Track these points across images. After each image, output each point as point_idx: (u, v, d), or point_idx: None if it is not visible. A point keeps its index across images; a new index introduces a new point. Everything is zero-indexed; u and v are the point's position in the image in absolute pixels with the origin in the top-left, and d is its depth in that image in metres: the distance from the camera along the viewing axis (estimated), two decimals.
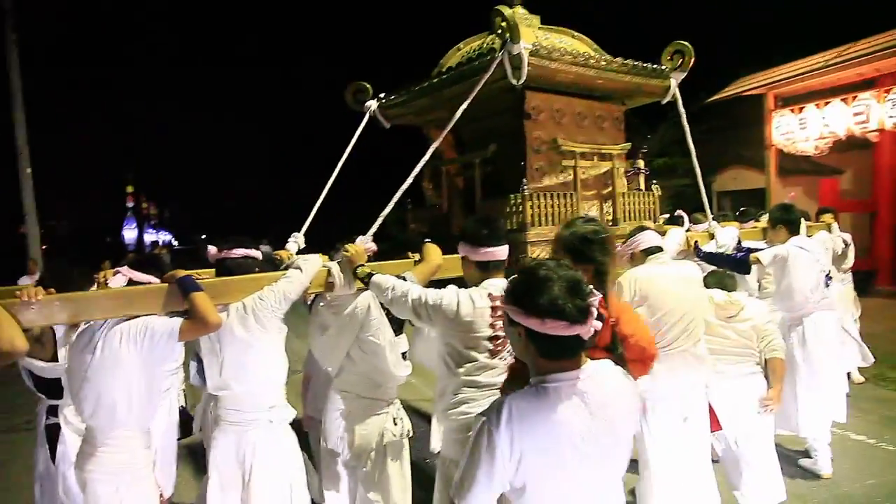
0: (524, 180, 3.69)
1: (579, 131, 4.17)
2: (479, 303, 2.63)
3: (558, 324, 1.54)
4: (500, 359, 2.64)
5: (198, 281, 2.52)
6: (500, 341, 2.63)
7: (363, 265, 2.95)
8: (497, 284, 2.70)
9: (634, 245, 3.56)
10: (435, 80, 4.08)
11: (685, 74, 4.39)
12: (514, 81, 3.53)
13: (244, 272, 2.84)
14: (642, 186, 4.77)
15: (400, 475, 3.16)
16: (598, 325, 1.59)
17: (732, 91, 12.83)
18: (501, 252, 2.78)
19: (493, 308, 2.62)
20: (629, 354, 2.17)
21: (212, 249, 2.99)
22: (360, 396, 3.11)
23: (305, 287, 2.82)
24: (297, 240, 3.77)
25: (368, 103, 4.51)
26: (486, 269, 2.74)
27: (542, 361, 1.61)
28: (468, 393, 2.62)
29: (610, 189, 4.26)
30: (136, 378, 2.46)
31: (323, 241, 3.77)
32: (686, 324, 3.31)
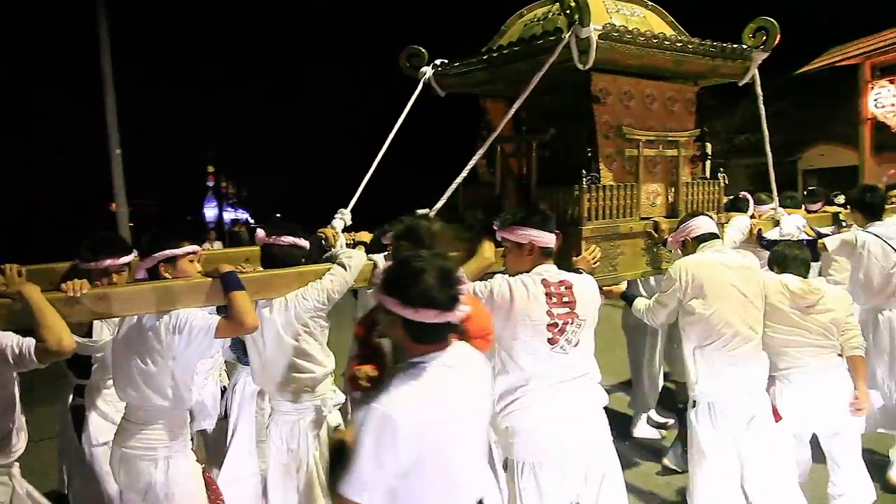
0: (583, 171, 3.50)
1: (648, 115, 3.90)
2: (533, 288, 2.58)
3: (430, 312, 1.66)
4: (560, 348, 2.57)
5: (241, 276, 2.51)
6: (558, 328, 2.56)
7: None
8: (550, 270, 2.68)
9: (686, 231, 3.39)
10: (495, 55, 3.88)
11: (768, 54, 4.05)
12: (580, 66, 3.31)
13: (290, 262, 2.83)
14: (707, 174, 4.48)
15: None
16: (467, 309, 1.74)
17: (824, 62, 11.96)
18: (552, 239, 2.76)
19: (548, 294, 2.57)
20: (471, 332, 2.18)
21: (260, 233, 2.99)
22: None
23: (350, 284, 2.80)
24: (343, 216, 3.72)
25: (423, 69, 4.34)
26: (539, 255, 2.70)
27: (415, 346, 1.72)
28: (529, 389, 2.57)
29: (673, 179, 4.02)
30: (174, 366, 2.50)
31: (375, 215, 3.73)
32: (746, 319, 3.16)
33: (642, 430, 5.05)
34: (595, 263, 3.34)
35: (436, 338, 1.73)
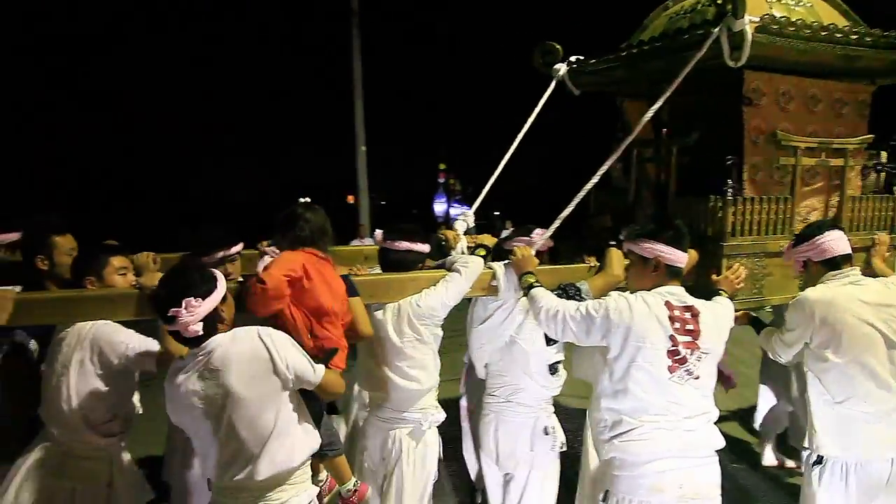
0: (728, 180, 3.15)
1: (810, 119, 3.43)
2: (656, 308, 2.31)
3: (159, 318, 2.05)
4: (679, 378, 2.30)
5: (356, 280, 2.48)
6: (679, 356, 2.29)
7: (531, 272, 2.72)
8: (676, 292, 2.39)
9: (815, 248, 2.79)
10: (634, 51, 3.59)
11: None
12: (731, 63, 2.96)
13: (405, 266, 2.77)
14: (880, 187, 3.90)
15: (540, 489, 2.98)
16: (195, 329, 1.97)
17: None
18: (683, 258, 2.46)
19: (672, 318, 2.30)
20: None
21: (378, 235, 2.96)
22: (507, 400, 2.94)
23: (465, 292, 2.68)
24: (465, 218, 3.63)
25: (557, 66, 4.12)
26: (664, 275, 2.43)
27: None
28: (644, 420, 2.32)
29: (838, 192, 3.52)
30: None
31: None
32: (891, 368, 2.63)
33: (769, 458, 4.55)
34: (739, 284, 2.96)
35: (180, 341, 2.05)
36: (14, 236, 3.02)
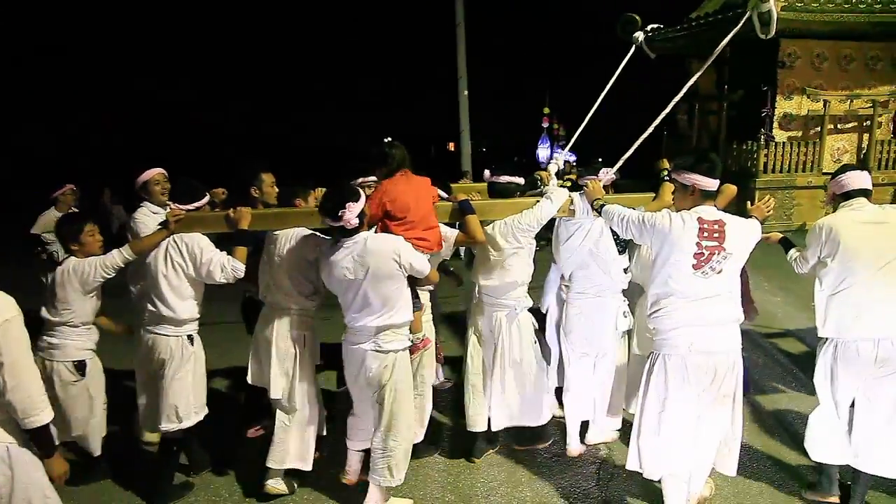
0: (762, 129, 3.97)
1: (843, 76, 4.15)
2: (689, 223, 3.10)
3: (324, 218, 3.18)
4: (703, 273, 3.09)
5: (472, 203, 3.62)
6: (704, 257, 3.08)
7: (599, 199, 3.67)
8: (708, 210, 3.17)
9: (836, 184, 3.40)
10: (693, 24, 4.41)
11: None
12: (761, 36, 3.70)
13: (507, 195, 3.85)
14: None
15: (621, 360, 4.00)
16: (355, 222, 3.09)
17: None
18: (714, 184, 3.17)
19: (701, 229, 3.09)
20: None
21: (486, 173, 4.05)
22: (597, 296, 3.92)
23: (553, 213, 3.72)
24: (557, 161, 4.62)
25: (636, 34, 4.88)
26: (699, 197, 3.16)
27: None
28: (670, 300, 3.18)
29: (867, 137, 4.22)
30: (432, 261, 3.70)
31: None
32: (875, 272, 3.22)
33: None
34: (768, 212, 3.65)
35: (338, 233, 3.17)
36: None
